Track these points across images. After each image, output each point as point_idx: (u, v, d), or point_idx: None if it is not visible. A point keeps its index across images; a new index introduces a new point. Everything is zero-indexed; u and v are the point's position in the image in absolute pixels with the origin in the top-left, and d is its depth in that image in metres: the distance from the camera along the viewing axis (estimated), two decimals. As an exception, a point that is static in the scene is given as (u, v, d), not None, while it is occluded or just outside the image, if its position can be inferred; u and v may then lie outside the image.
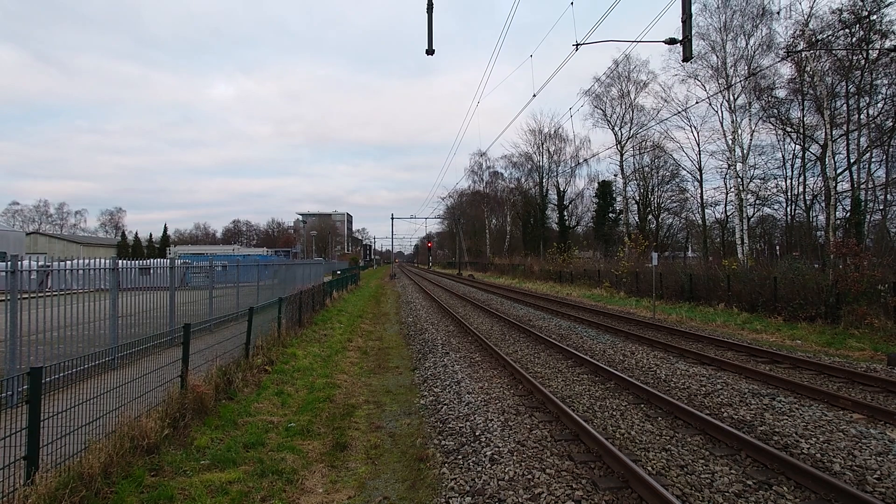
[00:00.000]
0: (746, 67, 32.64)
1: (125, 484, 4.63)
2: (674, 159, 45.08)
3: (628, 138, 46.22)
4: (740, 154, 33.54)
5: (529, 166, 63.04)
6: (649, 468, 5.26)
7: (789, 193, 35.36)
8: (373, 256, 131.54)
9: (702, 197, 41.69)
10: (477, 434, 6.31)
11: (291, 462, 5.56)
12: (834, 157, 28.85)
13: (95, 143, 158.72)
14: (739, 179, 33.45)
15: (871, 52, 27.22)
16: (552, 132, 59.21)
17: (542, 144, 60.51)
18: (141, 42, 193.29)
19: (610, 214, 51.37)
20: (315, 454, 5.93)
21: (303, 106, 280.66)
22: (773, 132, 34.78)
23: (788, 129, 33.58)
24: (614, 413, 7.16)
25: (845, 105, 29.15)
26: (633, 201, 48.36)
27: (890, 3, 24.89)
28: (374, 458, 5.91)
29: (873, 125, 28.52)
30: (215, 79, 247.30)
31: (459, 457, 5.70)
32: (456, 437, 6.35)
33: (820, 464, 5.38)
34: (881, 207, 29.18)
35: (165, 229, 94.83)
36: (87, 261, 8.97)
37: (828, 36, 27.84)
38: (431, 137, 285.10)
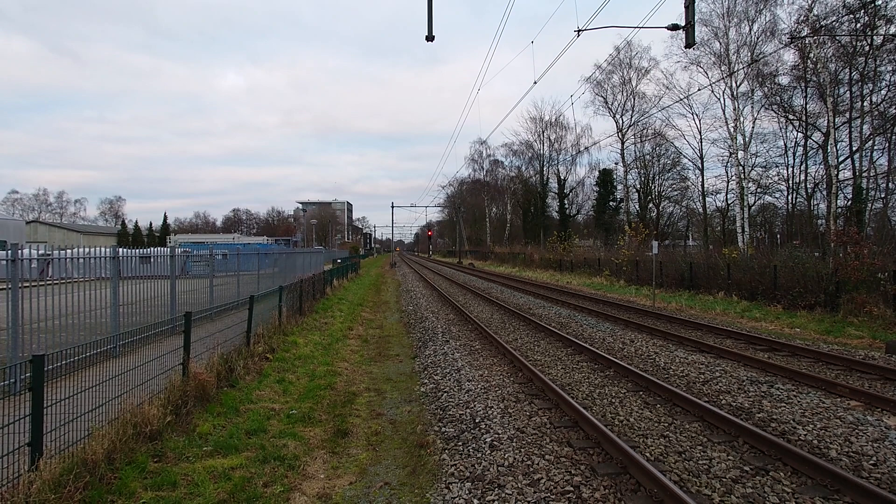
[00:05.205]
0: (749, 54, 32.34)
1: (129, 470, 4.68)
2: (675, 147, 44.93)
3: (629, 126, 45.96)
4: (742, 142, 33.36)
5: (530, 154, 62.79)
6: (648, 454, 5.31)
7: (791, 182, 35.26)
8: (373, 245, 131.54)
9: (703, 185, 41.61)
10: (477, 421, 6.36)
11: (293, 448, 5.61)
12: (836, 145, 28.69)
13: (102, 133, 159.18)
14: (741, 167, 33.31)
15: (875, 37, 26.93)
16: (553, 120, 58.89)
17: (543, 132, 60.18)
18: (153, 33, 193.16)
19: (610, 203, 51.24)
20: (316, 441, 5.98)
21: (311, 96, 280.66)
22: (776, 120, 34.62)
23: (791, 116, 33.36)
24: (613, 400, 7.21)
25: (848, 92, 28.90)
26: (634, 190, 48.25)
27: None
28: (375, 445, 5.96)
29: (876, 113, 28.30)
30: (226, 69, 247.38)
31: (459, 443, 5.75)
32: (456, 423, 6.40)
33: (817, 450, 5.42)
34: (883, 196, 29.08)
35: (165, 218, 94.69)
36: (87, 249, 8.98)
37: (832, 21, 27.52)
38: (437, 127, 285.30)
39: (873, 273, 14.44)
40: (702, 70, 35.75)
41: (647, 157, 46.75)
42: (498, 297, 21.40)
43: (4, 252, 7.17)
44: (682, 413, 6.59)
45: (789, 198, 35.91)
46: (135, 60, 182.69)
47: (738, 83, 32.86)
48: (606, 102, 47.26)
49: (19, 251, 6.89)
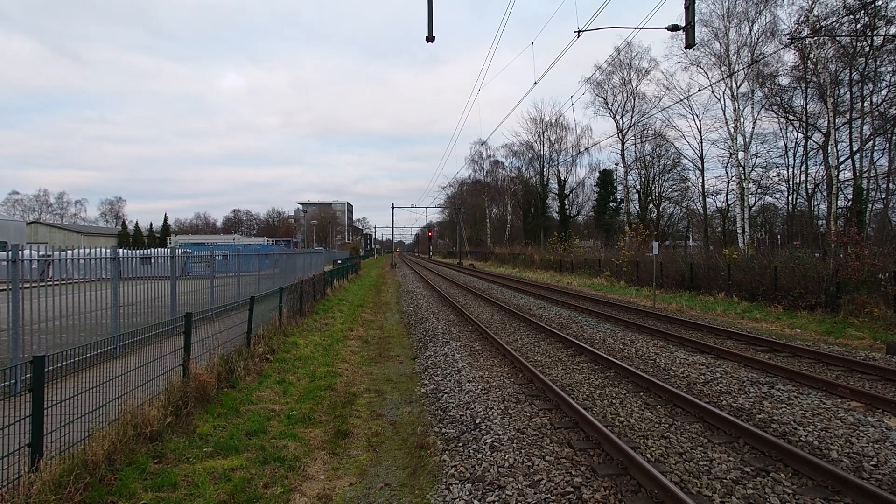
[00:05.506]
0: (749, 55, 32.35)
1: (129, 471, 4.68)
2: (675, 148, 44.96)
3: (630, 127, 45.99)
4: (742, 142, 33.36)
5: (530, 155, 62.84)
6: (648, 455, 5.30)
7: (791, 182, 35.24)
8: (373, 246, 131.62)
9: (703, 186, 41.60)
10: (477, 422, 6.35)
11: (293, 449, 5.61)
12: (836, 146, 28.69)
13: (103, 134, 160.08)
14: (741, 168, 33.30)
15: (875, 38, 26.93)
16: (553, 120, 58.95)
17: (544, 133, 60.26)
18: (154, 33, 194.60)
19: (611, 203, 51.24)
20: (317, 442, 5.98)
21: (311, 96, 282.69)
22: (776, 120, 34.62)
23: (791, 117, 33.36)
24: (614, 401, 7.20)
25: (849, 93, 28.90)
26: (634, 190, 48.27)
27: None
28: (376, 446, 5.95)
29: (877, 113, 28.31)
30: (226, 69, 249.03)
31: (460, 444, 5.75)
32: (456, 424, 6.39)
33: (817, 451, 5.42)
34: (883, 196, 29.10)
35: (166, 219, 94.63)
36: (87, 250, 8.99)
37: (832, 22, 27.53)
38: (438, 128, 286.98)
39: (874, 274, 14.43)
40: (702, 71, 35.81)
41: (648, 157, 46.81)
42: (498, 297, 21.39)
43: (5, 253, 7.18)
44: (682, 414, 6.58)
45: (790, 198, 35.93)
46: (135, 61, 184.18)
47: (738, 84, 32.88)
48: (607, 103, 47.33)
49: (20, 252, 6.89)
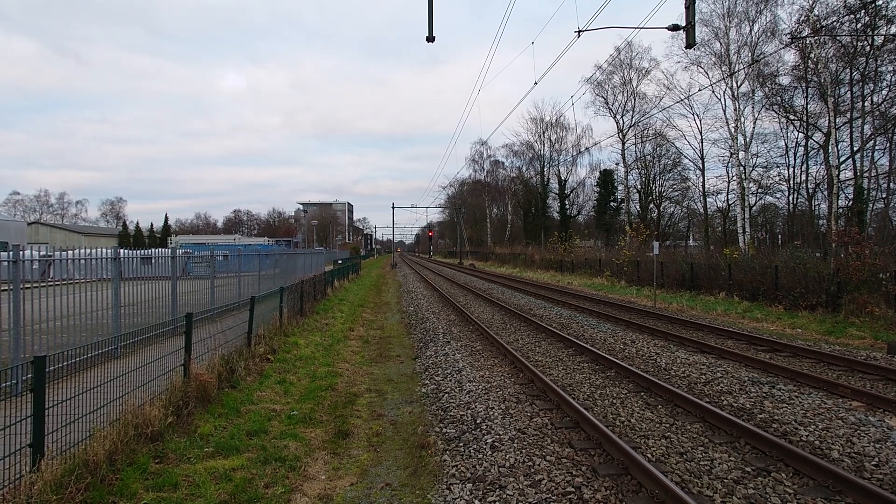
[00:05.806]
0: (750, 54, 32.33)
1: (130, 471, 4.68)
2: (676, 148, 44.89)
3: (630, 126, 45.94)
4: (743, 142, 33.33)
5: (531, 155, 62.74)
6: (649, 455, 5.30)
7: (792, 182, 35.22)
8: (374, 246, 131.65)
9: (704, 185, 41.56)
10: (478, 422, 6.35)
11: (294, 449, 5.61)
12: (837, 146, 28.65)
13: (104, 134, 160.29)
14: (742, 168, 33.27)
15: (876, 38, 26.91)
16: (554, 120, 58.84)
17: (544, 133, 60.12)
18: (154, 33, 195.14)
19: (611, 203, 51.20)
20: (317, 442, 5.98)
21: (312, 97, 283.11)
22: (776, 120, 34.58)
23: (791, 116, 33.33)
24: (614, 401, 7.20)
25: (849, 92, 28.88)
26: (635, 190, 48.22)
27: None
28: (376, 446, 5.96)
29: (877, 113, 28.27)
30: (226, 69, 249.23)
31: (461, 444, 5.75)
32: (457, 424, 6.39)
33: (818, 451, 5.41)
34: (884, 196, 29.08)
35: (166, 219, 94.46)
36: (88, 250, 8.99)
37: (832, 22, 27.51)
38: (438, 128, 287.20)
39: (875, 273, 14.42)
40: (702, 70, 35.76)
41: (648, 157, 46.76)
42: (499, 297, 21.39)
43: (6, 253, 7.18)
44: (683, 414, 6.58)
45: (790, 198, 35.90)
46: (136, 61, 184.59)
47: (738, 83, 32.84)
48: (607, 103, 47.24)
49: (21, 252, 6.90)
